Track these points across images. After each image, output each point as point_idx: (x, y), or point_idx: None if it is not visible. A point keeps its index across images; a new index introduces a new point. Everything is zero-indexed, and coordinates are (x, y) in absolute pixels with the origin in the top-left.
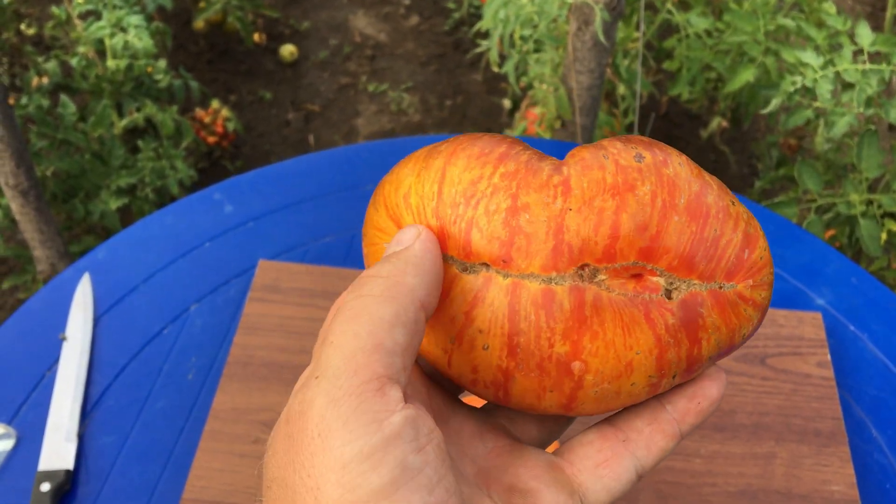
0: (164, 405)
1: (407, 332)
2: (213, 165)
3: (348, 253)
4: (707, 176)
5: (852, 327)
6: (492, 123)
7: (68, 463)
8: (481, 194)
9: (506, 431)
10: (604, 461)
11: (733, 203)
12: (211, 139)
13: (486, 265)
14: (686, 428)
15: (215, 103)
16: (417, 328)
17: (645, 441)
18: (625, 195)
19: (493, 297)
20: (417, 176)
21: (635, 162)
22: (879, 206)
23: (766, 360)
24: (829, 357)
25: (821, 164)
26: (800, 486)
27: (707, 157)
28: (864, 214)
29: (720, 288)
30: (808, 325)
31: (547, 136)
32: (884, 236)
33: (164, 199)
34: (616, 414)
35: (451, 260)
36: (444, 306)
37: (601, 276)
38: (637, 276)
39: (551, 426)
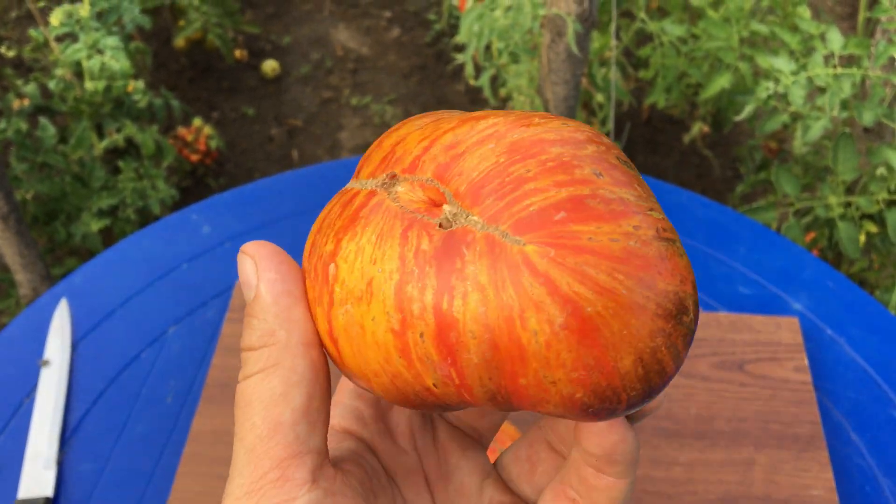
0: (143, 429)
1: (304, 391)
2: (196, 184)
3: None
4: (627, 166)
5: (829, 331)
6: None
7: (48, 490)
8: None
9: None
10: None
11: (622, 166)
12: (194, 157)
13: None
14: None
15: (197, 121)
16: (314, 372)
17: None
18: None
19: None
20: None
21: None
22: (857, 209)
23: (743, 367)
24: (806, 362)
25: (800, 167)
26: (779, 492)
27: (691, 162)
28: (842, 217)
29: (503, 237)
30: (786, 330)
31: None
32: (862, 238)
33: (146, 219)
34: None
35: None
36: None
37: (399, 187)
38: (434, 200)
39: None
